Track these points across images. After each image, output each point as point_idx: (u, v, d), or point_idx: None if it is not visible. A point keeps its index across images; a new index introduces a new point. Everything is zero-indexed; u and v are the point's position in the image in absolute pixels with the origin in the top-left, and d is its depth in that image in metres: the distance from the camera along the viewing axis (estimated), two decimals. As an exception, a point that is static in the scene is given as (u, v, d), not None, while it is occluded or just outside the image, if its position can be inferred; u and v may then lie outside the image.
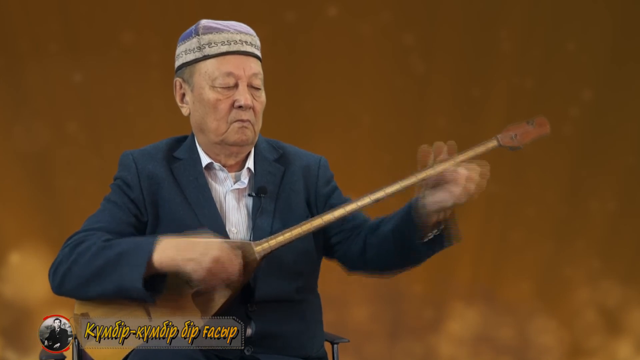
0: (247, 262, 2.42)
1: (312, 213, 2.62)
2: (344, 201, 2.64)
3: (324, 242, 2.64)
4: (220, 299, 2.43)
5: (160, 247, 2.39)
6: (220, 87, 2.53)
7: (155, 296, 2.40)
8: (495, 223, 5.00)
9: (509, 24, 4.97)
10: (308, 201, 2.64)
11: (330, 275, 2.71)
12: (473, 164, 2.38)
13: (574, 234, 5.03)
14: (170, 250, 2.39)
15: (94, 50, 4.74)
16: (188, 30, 2.59)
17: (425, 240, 2.47)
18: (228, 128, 2.54)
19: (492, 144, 2.44)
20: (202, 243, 2.39)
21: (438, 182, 2.39)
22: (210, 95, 2.54)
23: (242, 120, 2.53)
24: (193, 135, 2.63)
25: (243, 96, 2.52)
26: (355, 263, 2.62)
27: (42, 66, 4.71)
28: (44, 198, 4.72)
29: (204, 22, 2.58)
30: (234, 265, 2.38)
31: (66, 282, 2.47)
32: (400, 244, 2.49)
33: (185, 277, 2.39)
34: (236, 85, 2.53)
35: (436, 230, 2.48)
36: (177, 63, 2.60)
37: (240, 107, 2.52)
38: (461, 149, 2.43)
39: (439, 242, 2.49)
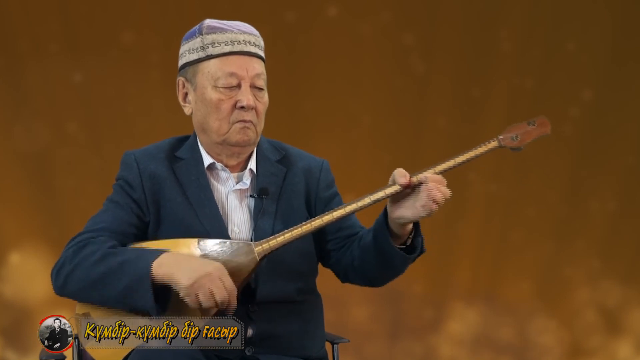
0: (248, 261, 2.42)
1: (310, 215, 2.62)
2: None
3: (320, 249, 2.65)
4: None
5: (161, 258, 2.40)
6: (222, 87, 2.53)
7: (160, 312, 2.40)
8: (495, 223, 5.00)
9: (509, 24, 4.97)
10: (308, 203, 2.64)
11: (331, 275, 2.71)
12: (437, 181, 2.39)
13: (574, 234, 5.03)
14: (169, 260, 2.40)
15: (94, 50, 4.74)
16: (192, 30, 2.59)
17: (401, 247, 2.47)
18: (230, 128, 2.54)
19: (492, 144, 2.43)
20: (201, 260, 2.40)
21: (397, 199, 2.41)
22: (213, 95, 2.54)
23: (245, 121, 2.53)
24: (195, 135, 2.63)
25: (245, 97, 2.52)
26: (347, 273, 2.63)
27: (42, 66, 4.71)
28: (44, 198, 4.71)
29: (208, 21, 2.57)
30: (225, 289, 2.36)
31: (68, 284, 2.47)
32: (378, 252, 2.49)
33: (174, 286, 2.38)
34: (239, 86, 2.53)
35: (409, 239, 2.49)
36: (180, 62, 2.60)
37: (242, 107, 2.52)
38: (461, 149, 2.43)
39: (410, 251, 2.49)
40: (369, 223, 2.59)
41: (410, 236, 2.48)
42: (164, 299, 2.41)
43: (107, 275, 2.42)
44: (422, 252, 2.51)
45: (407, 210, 2.41)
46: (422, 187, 2.39)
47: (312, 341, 2.61)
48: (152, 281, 2.38)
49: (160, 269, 2.38)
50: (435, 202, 2.38)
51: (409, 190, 2.41)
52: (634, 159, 5.03)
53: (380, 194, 2.42)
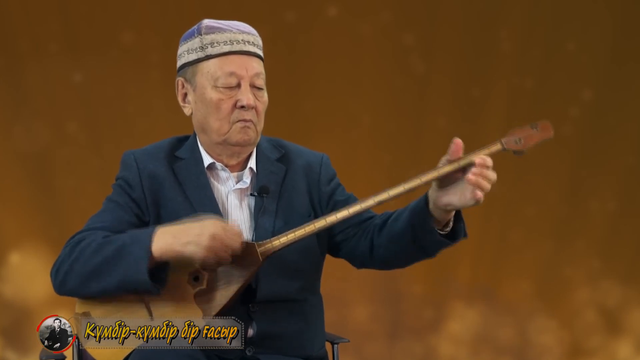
0: (250, 261, 2.43)
1: (315, 211, 2.62)
2: (348, 197, 2.63)
3: (329, 241, 2.63)
4: (222, 299, 2.43)
5: (158, 237, 2.40)
6: (222, 87, 2.53)
7: (160, 287, 2.40)
8: (494, 223, 5.00)
9: (509, 24, 4.97)
10: (311, 200, 2.63)
11: (331, 275, 2.71)
12: (484, 169, 2.35)
13: (574, 234, 5.03)
14: (168, 238, 2.39)
15: (94, 50, 4.74)
16: (190, 30, 2.59)
17: (441, 232, 2.44)
18: (230, 128, 2.54)
19: (496, 147, 2.42)
20: (196, 225, 2.40)
21: (445, 184, 2.37)
22: (213, 95, 2.54)
23: (245, 120, 2.53)
24: (195, 135, 2.63)
25: (245, 96, 2.52)
26: (364, 260, 2.61)
27: (42, 66, 4.71)
28: (44, 198, 4.72)
29: (207, 21, 2.57)
30: (233, 237, 2.37)
31: (68, 280, 2.47)
32: (414, 239, 2.46)
33: (187, 261, 2.39)
34: (238, 85, 2.53)
35: (448, 224, 2.45)
36: (179, 63, 2.60)
37: (242, 107, 2.52)
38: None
39: (451, 235, 2.46)
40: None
41: (451, 221, 2.45)
42: (162, 273, 2.41)
43: (104, 264, 2.42)
44: (464, 236, 2.48)
45: (455, 197, 2.36)
46: (468, 176, 2.32)
47: (312, 341, 2.61)
48: (155, 260, 2.38)
49: (162, 248, 2.38)
50: (483, 189, 2.33)
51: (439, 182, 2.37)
52: (634, 159, 5.03)
53: (384, 196, 2.41)
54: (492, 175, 2.35)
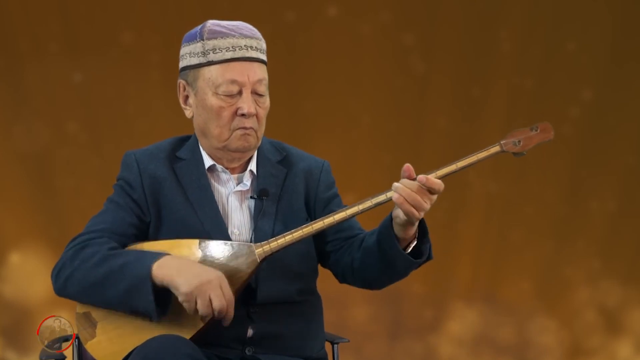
0: (248, 262, 2.42)
1: (310, 216, 2.61)
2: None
3: (319, 250, 2.63)
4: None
5: (161, 261, 2.39)
6: (223, 95, 2.51)
7: (160, 315, 2.39)
8: (495, 223, 5.00)
9: (509, 24, 4.97)
10: (307, 204, 2.63)
11: (331, 276, 2.71)
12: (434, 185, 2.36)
13: (574, 234, 5.03)
14: (170, 264, 2.39)
15: (94, 50, 4.74)
16: (193, 31, 2.56)
17: (406, 251, 2.44)
18: (230, 135, 2.53)
19: (495, 149, 2.43)
20: (201, 266, 2.40)
21: None
22: (214, 102, 2.52)
23: (245, 128, 2.52)
24: (196, 136, 2.63)
25: (247, 104, 2.50)
26: (345, 274, 2.61)
27: (42, 66, 4.71)
28: (44, 198, 4.71)
29: (210, 25, 2.54)
30: (221, 297, 2.35)
31: (69, 286, 2.47)
32: (382, 255, 2.47)
33: (174, 290, 2.37)
34: (240, 93, 2.51)
35: (415, 243, 2.46)
36: (181, 64, 2.58)
37: (243, 115, 2.51)
38: (461, 148, 2.43)
39: (416, 256, 2.46)
40: (370, 226, 2.58)
41: (414, 241, 2.46)
42: (165, 302, 2.41)
43: (107, 278, 2.41)
44: (429, 258, 2.48)
45: (399, 211, 2.37)
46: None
47: (312, 341, 2.61)
48: (153, 283, 2.38)
49: (161, 271, 2.38)
50: (414, 207, 2.34)
51: None
52: (634, 159, 5.03)
53: (381, 197, 2.42)
54: (422, 203, 2.34)
